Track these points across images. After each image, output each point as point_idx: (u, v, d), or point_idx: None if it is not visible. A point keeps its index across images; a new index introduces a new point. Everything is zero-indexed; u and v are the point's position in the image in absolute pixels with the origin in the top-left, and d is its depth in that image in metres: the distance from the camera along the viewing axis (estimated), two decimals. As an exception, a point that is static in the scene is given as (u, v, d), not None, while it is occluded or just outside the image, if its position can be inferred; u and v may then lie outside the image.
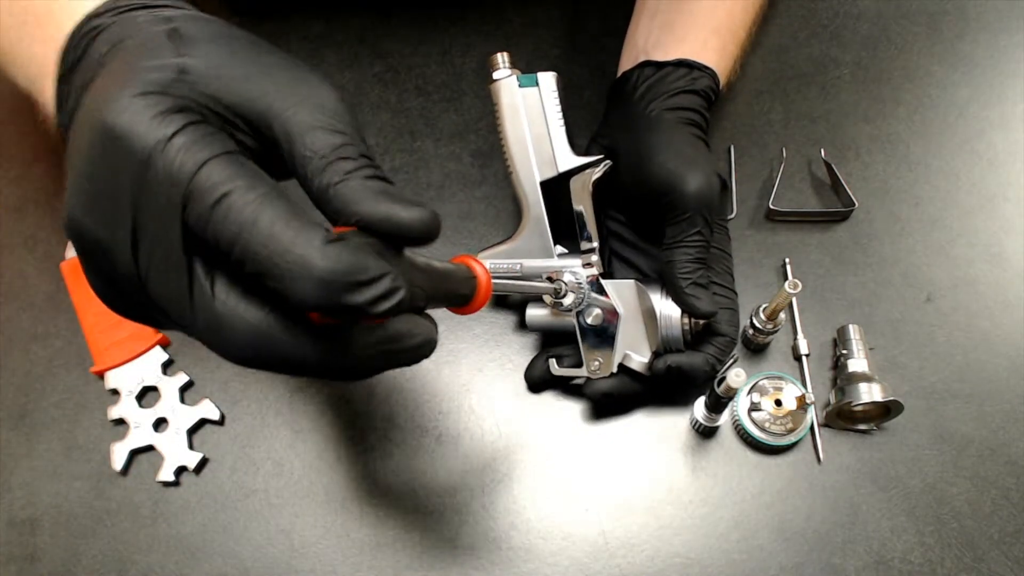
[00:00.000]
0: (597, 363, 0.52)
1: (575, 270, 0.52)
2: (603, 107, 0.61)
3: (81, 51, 0.33)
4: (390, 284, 0.27)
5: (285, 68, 0.32)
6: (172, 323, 0.29)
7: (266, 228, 0.26)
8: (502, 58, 0.51)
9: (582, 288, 0.51)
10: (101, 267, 0.29)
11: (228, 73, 0.30)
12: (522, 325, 0.58)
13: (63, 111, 0.34)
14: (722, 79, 0.55)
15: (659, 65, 0.54)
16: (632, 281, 0.52)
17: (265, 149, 0.31)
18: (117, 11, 0.33)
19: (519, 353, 0.58)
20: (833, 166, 0.62)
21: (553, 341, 0.57)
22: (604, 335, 0.52)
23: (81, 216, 0.28)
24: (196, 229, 0.27)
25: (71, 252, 0.61)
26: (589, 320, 0.52)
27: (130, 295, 0.29)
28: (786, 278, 0.60)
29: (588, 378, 0.53)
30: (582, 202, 0.52)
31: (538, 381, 0.55)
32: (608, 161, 0.52)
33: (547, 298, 0.51)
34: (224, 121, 0.30)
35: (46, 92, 0.35)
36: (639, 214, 0.55)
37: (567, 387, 0.57)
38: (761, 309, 0.56)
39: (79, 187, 0.28)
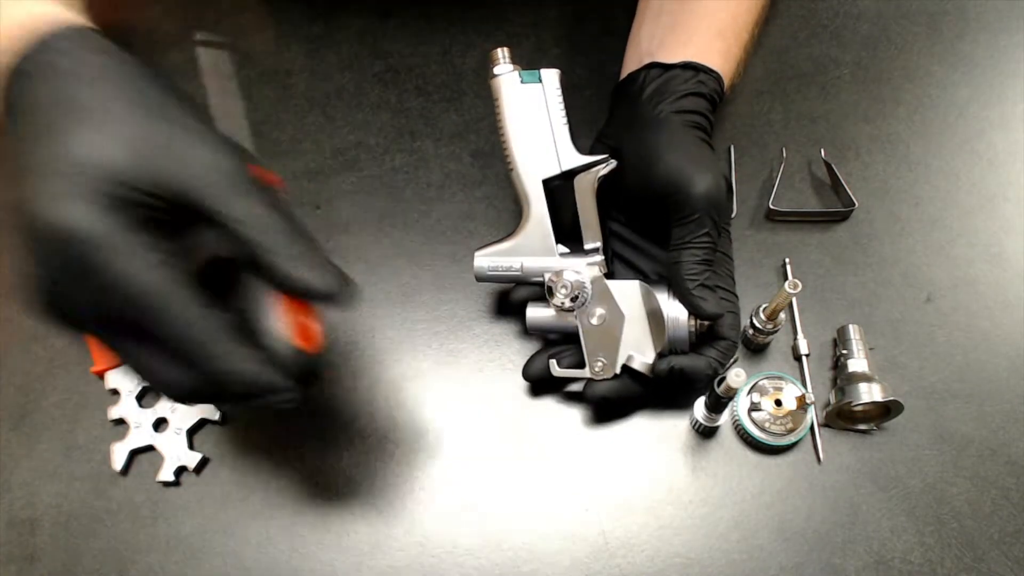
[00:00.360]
0: (600, 364, 0.52)
1: (578, 269, 0.51)
2: (603, 107, 0.61)
3: (15, 95, 0.36)
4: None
5: (187, 136, 0.35)
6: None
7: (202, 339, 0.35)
8: (502, 53, 0.51)
9: (585, 288, 0.51)
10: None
11: (139, 160, 0.34)
12: (522, 326, 0.58)
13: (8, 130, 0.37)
14: (726, 81, 0.56)
15: (665, 67, 0.54)
16: (636, 282, 0.52)
17: (179, 214, 0.35)
18: (36, 59, 0.36)
19: (519, 353, 0.58)
20: (833, 166, 0.62)
21: (553, 341, 0.57)
22: (607, 336, 0.52)
23: (45, 311, 0.35)
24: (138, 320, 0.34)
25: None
26: (593, 321, 0.52)
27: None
28: (786, 278, 0.60)
29: (589, 380, 0.53)
30: (586, 201, 0.52)
31: (536, 378, 0.55)
32: (613, 161, 0.52)
33: (554, 298, 0.51)
34: (142, 199, 0.34)
35: None
36: (643, 215, 0.55)
37: (566, 388, 0.57)
38: (761, 309, 0.56)
39: (39, 285, 0.34)
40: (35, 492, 0.55)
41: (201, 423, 0.56)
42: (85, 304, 0.34)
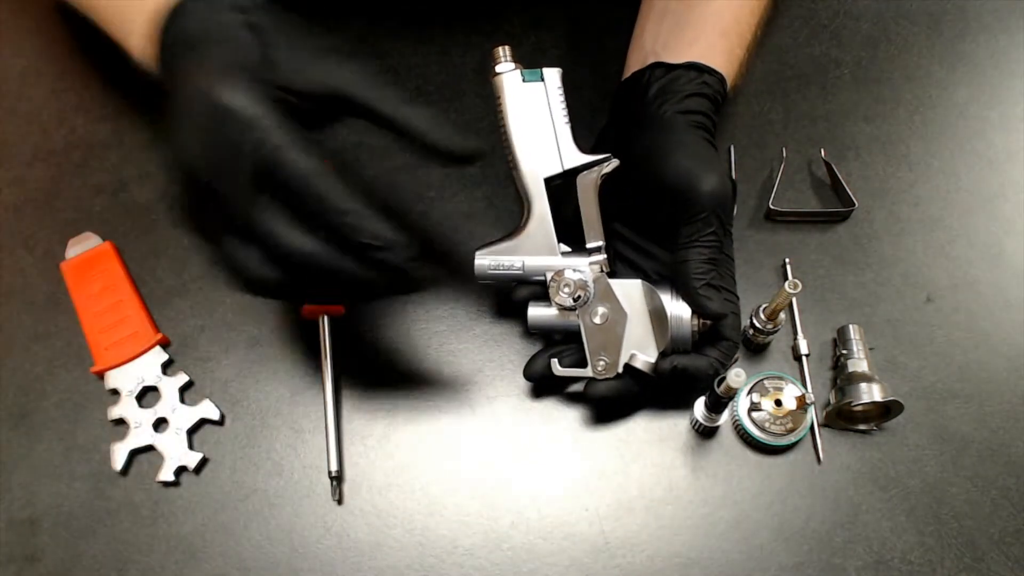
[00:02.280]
0: (603, 363, 0.52)
1: (580, 268, 0.51)
2: (603, 107, 0.61)
3: (173, 26, 0.45)
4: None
5: (341, 54, 0.44)
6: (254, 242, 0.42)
7: (339, 196, 0.41)
8: (503, 52, 0.51)
9: (587, 286, 0.51)
10: (199, 197, 0.43)
11: (297, 63, 0.43)
12: (523, 326, 0.58)
13: (158, 61, 0.46)
14: (729, 82, 0.56)
15: (670, 67, 0.54)
16: (638, 281, 0.52)
17: (319, 111, 0.44)
18: None
19: (519, 353, 0.58)
20: (833, 166, 0.62)
21: (554, 341, 0.57)
22: (610, 335, 0.52)
23: (195, 161, 0.41)
24: (281, 185, 0.40)
25: (71, 252, 0.61)
26: (595, 319, 0.52)
27: (219, 217, 0.43)
28: (786, 278, 0.60)
29: (591, 379, 0.53)
30: (588, 200, 0.51)
31: (537, 377, 0.55)
32: (615, 160, 0.51)
33: (556, 297, 0.51)
34: (295, 96, 0.43)
35: (130, 42, 0.48)
36: (647, 214, 0.55)
37: (567, 388, 0.57)
38: (761, 309, 0.56)
39: (195, 141, 0.41)
40: (35, 492, 0.55)
41: (201, 423, 0.56)
42: (235, 172, 0.40)
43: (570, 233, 0.52)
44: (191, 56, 0.44)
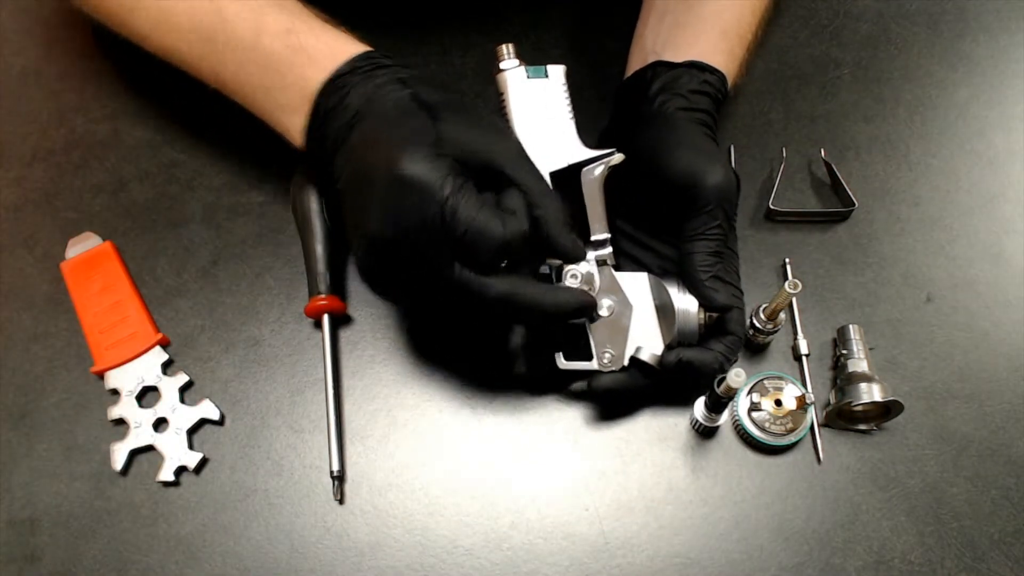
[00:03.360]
0: (608, 355, 0.52)
1: (586, 260, 0.51)
2: (603, 107, 0.61)
3: (335, 101, 0.47)
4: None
5: (497, 131, 0.47)
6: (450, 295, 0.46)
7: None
8: (507, 49, 0.51)
9: (593, 278, 0.51)
10: (390, 264, 0.46)
11: (467, 138, 0.45)
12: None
13: (320, 142, 0.49)
14: (729, 81, 0.56)
15: (671, 66, 0.55)
16: (644, 274, 0.52)
17: (486, 183, 0.46)
18: (358, 71, 0.47)
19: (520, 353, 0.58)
20: (833, 166, 0.62)
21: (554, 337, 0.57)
22: (615, 327, 0.52)
23: (382, 230, 0.44)
24: (462, 247, 0.44)
25: (71, 252, 0.61)
26: (601, 312, 0.52)
27: (415, 283, 0.47)
28: (786, 278, 0.60)
29: (595, 372, 0.52)
30: (593, 194, 0.51)
31: (541, 375, 0.55)
32: (620, 154, 0.52)
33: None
34: (468, 171, 0.45)
35: (291, 126, 0.50)
36: (650, 210, 0.55)
37: (567, 387, 0.57)
38: (761, 309, 0.56)
39: (381, 211, 0.44)
40: (35, 492, 0.55)
41: (201, 423, 0.56)
42: (422, 231, 0.43)
43: (575, 228, 0.52)
44: (359, 130, 0.46)
